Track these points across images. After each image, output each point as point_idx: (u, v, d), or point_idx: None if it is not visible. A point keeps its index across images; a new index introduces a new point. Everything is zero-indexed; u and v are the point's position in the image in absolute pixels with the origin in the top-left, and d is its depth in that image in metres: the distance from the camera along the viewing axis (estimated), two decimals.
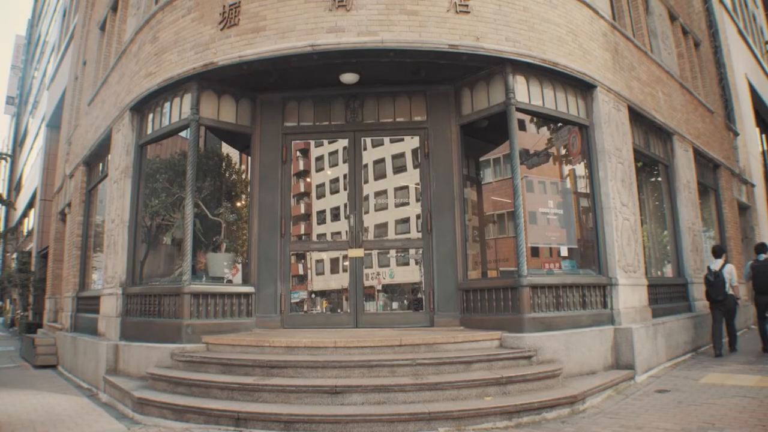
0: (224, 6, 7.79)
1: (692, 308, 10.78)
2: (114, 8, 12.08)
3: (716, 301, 9.46)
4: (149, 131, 8.97)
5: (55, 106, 21.06)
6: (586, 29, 8.77)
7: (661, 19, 12.20)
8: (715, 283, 9.42)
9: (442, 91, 8.32)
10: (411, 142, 8.48)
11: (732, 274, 9.50)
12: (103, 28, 12.93)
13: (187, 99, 8.09)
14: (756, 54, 23.08)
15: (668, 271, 11.23)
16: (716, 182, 14.55)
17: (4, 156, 32.31)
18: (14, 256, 29.60)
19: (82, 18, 16.00)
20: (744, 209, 17.19)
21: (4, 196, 30.98)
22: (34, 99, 32.35)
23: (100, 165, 11.70)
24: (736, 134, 17.00)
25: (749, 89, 20.33)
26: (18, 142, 38.66)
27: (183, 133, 8.54)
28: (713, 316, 9.56)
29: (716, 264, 9.63)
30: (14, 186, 36.87)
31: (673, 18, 13.13)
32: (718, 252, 9.97)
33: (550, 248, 8.48)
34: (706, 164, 13.85)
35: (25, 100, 38.36)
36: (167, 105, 8.58)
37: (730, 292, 9.45)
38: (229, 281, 8.24)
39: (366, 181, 8.35)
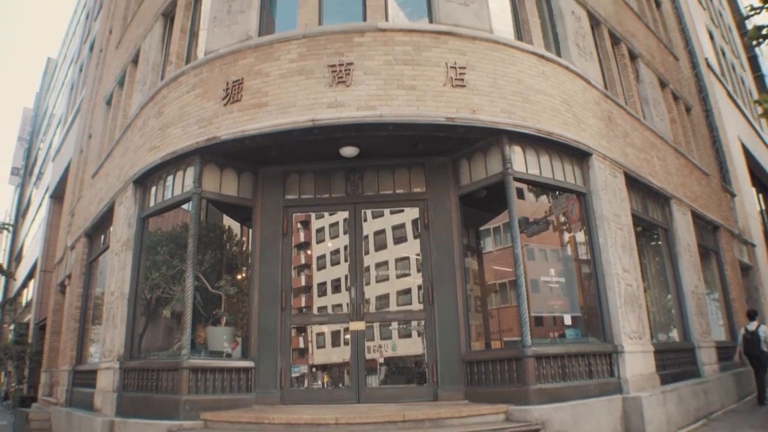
0: (227, 82, 8.01)
1: (701, 373, 10.54)
2: (121, 83, 12.44)
3: (753, 356, 11.05)
4: (152, 204, 9.04)
5: (59, 178, 21.35)
6: (579, 99, 8.99)
7: (651, 86, 12.54)
8: (751, 340, 11.04)
9: (441, 163, 8.44)
10: (411, 213, 8.53)
11: (766, 333, 10.97)
12: (109, 102, 13.29)
13: (190, 172, 8.18)
14: (747, 116, 23.57)
15: (674, 335, 11.07)
16: (717, 244, 14.54)
17: (6, 226, 32.42)
18: (11, 327, 29.25)
19: (89, 92, 16.47)
20: (746, 270, 17.11)
21: (5, 266, 30.85)
22: (39, 170, 32.82)
23: (102, 237, 11.74)
24: (733, 195, 17.14)
25: (743, 151, 20.64)
26: (21, 212, 38.94)
27: (185, 206, 8.59)
28: (755, 370, 11.17)
29: (752, 325, 11.22)
30: (15, 256, 36.86)
31: (663, 84, 13.50)
32: (752, 315, 11.65)
33: (554, 317, 8.38)
34: (705, 226, 13.88)
35: (29, 171, 38.89)
36: (170, 178, 8.68)
37: (765, 348, 10.89)
38: (229, 355, 8.10)
39: (367, 253, 8.34)
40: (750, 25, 33.70)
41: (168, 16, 10.31)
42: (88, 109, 16.20)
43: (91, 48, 19.43)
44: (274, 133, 7.52)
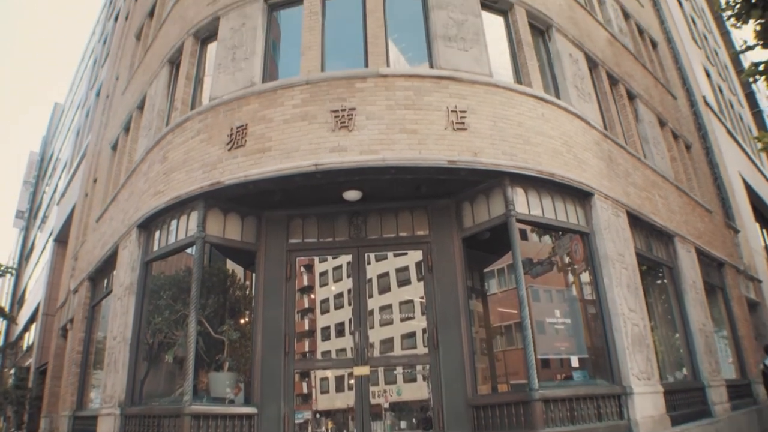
0: (232, 128, 8.12)
1: (712, 413, 10.32)
2: (126, 129, 12.62)
3: None
4: (155, 248, 9.05)
5: (63, 222, 21.44)
6: (579, 140, 9.08)
7: (651, 125, 12.66)
8: None
9: (443, 205, 8.47)
10: (414, 255, 8.52)
11: None
12: (114, 147, 13.44)
13: (194, 217, 8.21)
14: (747, 151, 23.72)
15: (684, 375, 10.89)
16: (722, 281, 14.43)
17: (9, 270, 32.42)
18: (12, 371, 28.93)
19: (95, 137, 16.68)
20: (754, 306, 16.94)
21: (6, 310, 30.70)
22: (44, 214, 32.99)
23: (105, 281, 11.71)
24: (736, 231, 17.10)
25: (744, 186, 20.69)
26: (24, 256, 38.97)
27: (189, 250, 8.60)
28: None
29: None
30: (17, 300, 36.73)
31: (662, 123, 13.63)
32: None
33: (561, 359, 8.28)
34: (710, 263, 13.81)
35: (34, 215, 39.07)
36: (174, 222, 8.71)
37: None
38: (232, 401, 7.97)
39: (371, 296, 8.29)
40: (745, 60, 34.29)
41: (174, 63, 10.52)
42: (93, 153, 16.38)
43: (98, 94, 19.78)
44: (278, 178, 7.57)
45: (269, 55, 8.92)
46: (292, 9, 9.13)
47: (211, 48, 9.70)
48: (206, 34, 9.90)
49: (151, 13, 13.86)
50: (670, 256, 11.35)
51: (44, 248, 28.20)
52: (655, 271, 11.34)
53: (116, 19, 20.64)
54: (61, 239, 22.49)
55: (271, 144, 7.70)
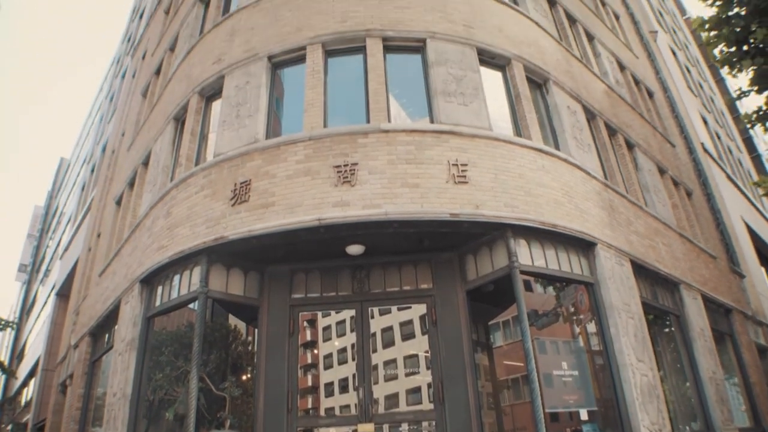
0: (235, 183, 8.20)
1: None
2: (131, 184, 12.75)
3: None
4: (157, 303, 9.01)
5: (66, 276, 21.43)
6: (580, 190, 9.13)
7: (651, 173, 12.76)
8: None
9: (447, 258, 8.46)
10: (418, 309, 8.45)
11: None
12: (119, 202, 13.55)
13: (197, 272, 8.20)
14: (748, 196, 23.80)
15: (696, 425, 10.63)
16: (731, 327, 14.25)
17: (10, 324, 32.23)
18: (9, 427, 28.37)
19: (100, 192, 16.84)
20: (764, 351, 16.65)
21: (6, 364, 30.34)
22: (46, 268, 33.01)
23: (106, 336, 11.62)
24: (742, 276, 16.99)
25: (747, 231, 20.67)
26: (25, 309, 38.79)
27: (191, 305, 8.55)
28: None
29: None
30: (17, 354, 36.33)
31: (662, 171, 13.74)
32: None
33: (570, 412, 8.09)
34: (717, 310, 13.67)
35: (37, 269, 39.10)
36: (177, 277, 8.70)
37: None
38: None
39: (374, 351, 8.19)
40: (741, 106, 34.79)
41: (179, 120, 10.72)
42: (98, 208, 16.51)
43: (104, 149, 20.10)
44: (281, 233, 7.59)
45: (273, 111, 9.09)
46: (295, 67, 9.38)
47: (216, 105, 9.90)
48: (211, 92, 10.13)
49: (158, 72, 14.24)
50: (676, 304, 11.25)
51: (46, 302, 28.09)
52: (662, 320, 11.20)
53: (123, 77, 21.19)
54: (63, 293, 22.44)
55: (274, 199, 7.76)
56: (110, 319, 11.01)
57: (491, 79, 9.47)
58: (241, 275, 8.49)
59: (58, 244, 28.97)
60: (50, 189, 43.39)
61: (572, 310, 8.86)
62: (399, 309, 8.68)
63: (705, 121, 22.36)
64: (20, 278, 44.25)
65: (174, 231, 8.72)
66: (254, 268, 8.58)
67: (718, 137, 24.03)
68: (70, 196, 30.35)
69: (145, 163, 11.93)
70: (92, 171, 22.33)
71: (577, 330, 8.90)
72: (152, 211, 9.82)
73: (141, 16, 23.56)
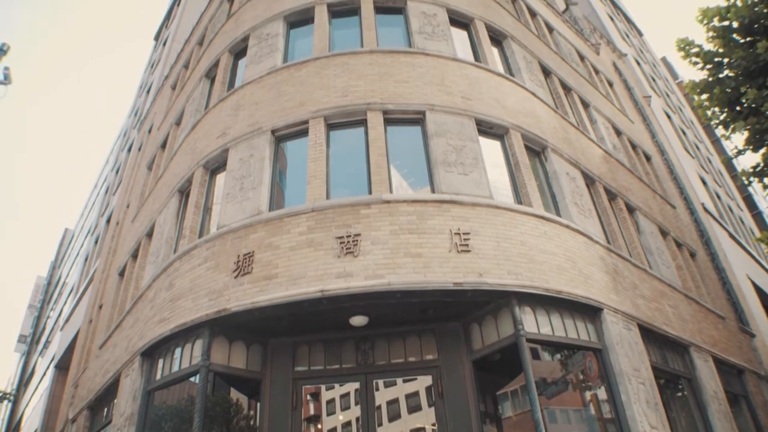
0: (239, 255, 8.22)
1: None
2: (134, 256, 12.78)
3: None
4: (158, 377, 8.86)
5: (66, 348, 21.15)
6: (583, 255, 9.13)
7: (653, 236, 12.78)
8: None
9: (452, 328, 8.37)
10: (424, 380, 8.28)
11: None
12: (122, 274, 13.54)
13: (199, 345, 8.10)
14: (752, 254, 23.70)
15: None
16: (744, 388, 13.89)
17: (7, 395, 31.58)
18: None
19: (103, 263, 16.84)
20: None
21: None
22: (46, 339, 32.64)
23: (105, 410, 11.36)
24: (752, 336, 16.69)
25: (754, 289, 20.47)
26: (23, 381, 38.09)
27: (192, 378, 8.39)
28: None
29: None
30: (12, 427, 35.39)
31: (664, 233, 13.76)
32: None
33: None
34: (729, 371, 13.37)
35: (36, 340, 38.67)
36: (178, 350, 8.59)
37: None
38: None
39: (380, 424, 7.97)
40: (738, 165, 35.21)
41: (183, 192, 10.87)
42: (100, 279, 16.48)
43: (108, 221, 20.27)
44: (284, 304, 7.55)
45: (276, 183, 9.23)
46: (297, 140, 9.59)
47: (220, 178, 10.07)
48: (215, 165, 10.32)
49: (164, 145, 14.56)
50: (687, 367, 11.02)
51: (44, 374, 27.60)
52: (674, 384, 10.95)
53: (130, 149, 21.65)
54: (63, 366, 22.07)
55: (277, 271, 7.76)
56: (110, 392, 10.80)
57: (490, 148, 9.66)
58: (243, 348, 8.39)
59: (59, 315, 28.74)
60: (53, 259, 43.49)
61: (581, 377, 8.68)
62: (404, 381, 8.49)
63: (704, 182, 22.58)
64: (19, 349, 43.67)
65: (176, 303, 8.68)
66: (257, 341, 8.48)
67: (718, 197, 24.20)
68: (73, 266, 30.37)
69: (149, 235, 12.01)
70: (96, 242, 22.44)
71: (588, 398, 8.69)
72: (155, 283, 9.80)
73: (148, 91, 24.33)
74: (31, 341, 40.20)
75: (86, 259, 23.52)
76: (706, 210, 19.10)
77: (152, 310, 9.38)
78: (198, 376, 7.88)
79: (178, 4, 30.05)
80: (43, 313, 40.13)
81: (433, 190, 8.57)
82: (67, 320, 23.13)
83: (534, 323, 7.88)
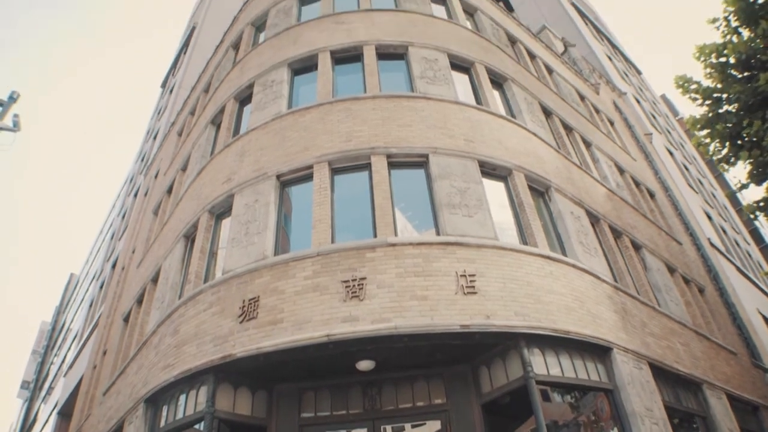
0: (244, 300, 8.19)
1: None
2: (139, 301, 12.76)
3: None
4: (162, 424, 8.74)
5: (69, 394, 20.90)
6: (591, 294, 9.08)
7: (660, 273, 12.71)
8: None
9: (460, 371, 8.28)
10: (433, 425, 8.12)
11: None
12: (126, 319, 13.50)
13: (203, 391, 8.01)
14: (761, 287, 23.50)
15: None
16: (760, 425, 13.57)
17: None
18: None
19: (108, 309, 16.80)
20: None
21: None
22: (49, 385, 32.30)
23: None
24: (765, 371, 16.40)
25: (765, 323, 20.20)
26: (26, 428, 37.51)
27: (197, 425, 8.27)
28: None
29: None
30: None
31: (671, 270, 13.69)
32: None
33: None
34: (744, 408, 13.10)
35: (40, 386, 38.27)
36: (182, 397, 8.49)
37: None
38: None
39: None
40: (742, 198, 35.18)
41: (189, 238, 10.92)
42: (105, 325, 16.41)
43: (114, 266, 20.31)
44: (290, 350, 7.49)
45: (281, 228, 9.27)
46: (302, 185, 9.67)
47: (226, 223, 10.13)
48: (221, 210, 10.40)
49: (170, 190, 14.69)
50: (701, 406, 10.81)
51: (47, 421, 27.20)
52: (689, 423, 10.71)
53: (136, 195, 21.84)
54: (66, 412, 21.77)
55: (282, 316, 7.72)
56: None
57: (494, 190, 9.73)
58: (248, 394, 8.29)
59: (63, 361, 28.51)
60: (58, 304, 43.38)
61: (593, 418, 8.50)
62: (413, 426, 8.33)
63: (709, 217, 22.56)
64: (22, 395, 43.19)
65: (181, 349, 8.62)
66: (262, 387, 8.39)
67: (724, 231, 24.14)
68: (77, 312, 30.28)
69: (154, 280, 12.02)
70: (101, 287, 22.43)
71: None
72: (159, 329, 9.76)
73: (155, 137, 24.70)
74: (34, 387, 39.76)
75: (91, 305, 23.46)
76: (712, 245, 19.02)
77: (157, 356, 9.32)
78: (203, 423, 7.79)
79: (185, 53, 30.77)
80: (47, 358, 39.82)
81: (438, 233, 8.59)
82: (71, 366, 22.93)
83: (543, 365, 7.78)
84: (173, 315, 9.42)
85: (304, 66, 12.06)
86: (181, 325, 9.00)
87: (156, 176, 18.42)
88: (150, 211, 16.02)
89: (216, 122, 13.26)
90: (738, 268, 21.18)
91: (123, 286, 15.88)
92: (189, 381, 8.32)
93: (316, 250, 8.21)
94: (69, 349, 27.61)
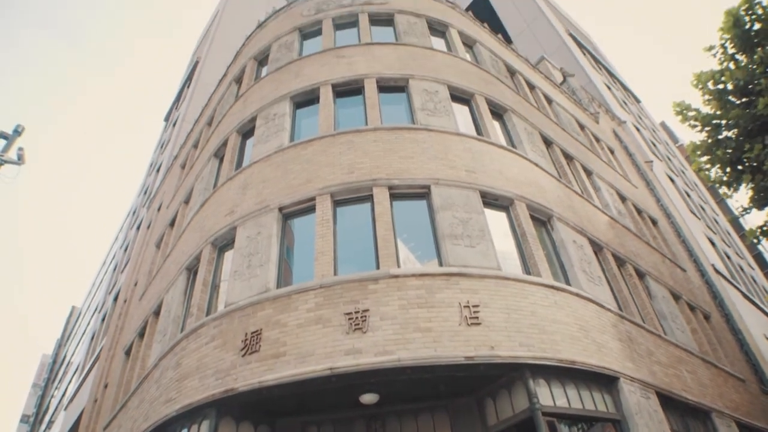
0: (246, 333, 8.14)
1: None
2: (141, 334, 12.69)
3: None
4: None
5: (69, 428, 20.65)
6: (595, 323, 9.01)
7: (665, 300, 12.63)
8: None
9: (465, 404, 8.18)
10: None
11: None
12: (128, 353, 13.41)
13: (205, 426, 7.90)
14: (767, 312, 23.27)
15: None
16: None
17: None
18: None
19: (109, 342, 16.70)
20: None
21: None
22: (50, 419, 31.91)
23: None
24: None
25: None
26: None
27: None
28: None
29: None
30: None
31: (676, 297, 13.60)
32: None
33: None
34: None
35: (40, 420, 37.80)
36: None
37: None
38: None
39: None
40: (745, 224, 35.08)
41: (191, 270, 10.91)
42: (106, 358, 16.29)
43: (115, 299, 20.26)
44: (292, 383, 7.42)
45: (283, 260, 9.26)
46: (305, 217, 9.69)
47: (228, 255, 10.13)
48: (223, 243, 10.41)
49: (172, 223, 14.73)
50: None
51: None
52: None
53: (139, 227, 21.89)
54: None
55: (285, 349, 7.67)
56: None
57: (496, 220, 9.74)
58: (251, 428, 8.19)
59: (64, 395, 28.22)
60: (59, 337, 43.14)
61: None
62: None
63: (712, 243, 22.49)
64: (22, 429, 42.64)
65: (183, 383, 8.55)
66: (264, 421, 8.29)
67: (728, 257, 24.02)
68: (79, 345, 30.09)
69: (156, 313, 11.97)
70: (103, 320, 22.34)
71: None
72: (161, 362, 9.69)
73: (158, 170, 24.86)
74: (35, 421, 39.29)
75: (93, 338, 23.33)
76: (716, 271, 18.92)
77: (158, 390, 9.23)
78: None
79: (188, 87, 31.18)
80: (47, 392, 39.43)
81: (440, 263, 8.57)
82: (72, 400, 22.69)
83: (549, 395, 7.68)
84: (175, 348, 9.36)
85: (306, 99, 12.21)
86: (183, 358, 8.93)
87: (159, 209, 18.49)
88: (152, 243, 16.04)
89: (219, 155, 13.37)
90: (743, 294, 21.02)
91: (125, 318, 15.81)
92: (191, 415, 8.21)
93: (319, 282, 8.19)
94: (70, 382, 27.37)
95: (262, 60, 15.16)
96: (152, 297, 12.76)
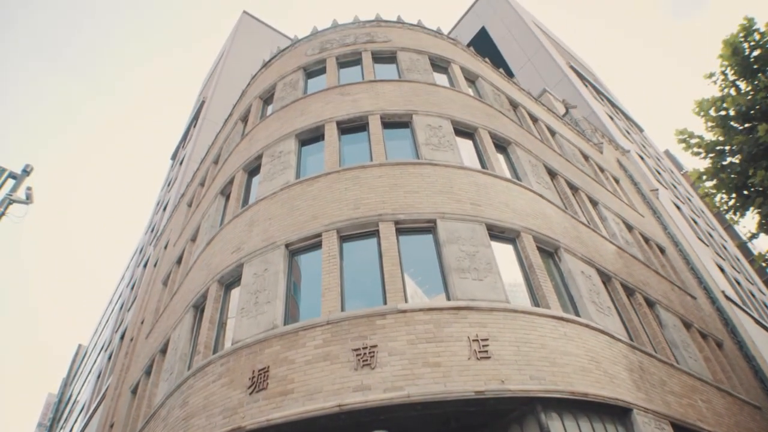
0: (253, 371, 8.09)
1: None
2: (148, 373, 12.60)
3: None
4: None
5: None
6: (606, 354, 8.91)
7: (676, 329, 12.49)
8: None
9: None
10: None
11: None
12: (134, 391, 13.30)
13: None
14: None
15: None
16: None
17: None
18: None
19: (116, 380, 16.59)
20: None
21: None
22: None
23: None
24: None
25: None
26: None
27: None
28: None
29: None
30: None
31: (687, 325, 13.44)
32: None
33: None
34: None
35: None
36: None
37: None
38: None
39: None
40: (754, 248, 34.78)
41: (198, 308, 10.90)
42: (113, 397, 16.16)
43: (122, 337, 20.20)
44: (301, 421, 7.33)
45: (290, 296, 9.25)
46: (311, 253, 9.71)
47: (235, 293, 10.12)
48: (230, 280, 10.42)
49: (179, 261, 14.77)
50: None
51: None
52: None
53: (145, 266, 21.95)
54: None
55: (293, 386, 7.60)
56: None
57: (503, 252, 9.72)
58: None
59: None
60: (65, 376, 42.85)
61: None
62: None
63: (721, 269, 22.32)
64: None
65: (190, 421, 8.46)
66: None
67: (738, 283, 23.81)
68: (85, 383, 29.87)
69: (163, 351, 11.91)
70: (109, 358, 22.23)
71: None
72: (168, 401, 9.61)
73: (164, 209, 25.05)
74: None
75: (99, 376, 23.17)
76: (727, 297, 18.72)
77: (165, 429, 9.14)
78: None
79: (195, 126, 31.62)
80: (53, 431, 38.96)
81: (448, 297, 8.54)
82: None
83: (562, 429, 7.53)
84: (182, 386, 9.29)
85: (312, 136, 12.36)
86: (190, 396, 8.86)
87: (165, 247, 18.56)
88: (159, 281, 16.06)
89: (225, 193, 13.48)
90: (755, 320, 20.75)
91: (131, 357, 15.73)
92: None
93: (326, 318, 8.16)
94: (75, 421, 27.08)
95: (267, 99, 15.40)
96: (159, 335, 12.72)
